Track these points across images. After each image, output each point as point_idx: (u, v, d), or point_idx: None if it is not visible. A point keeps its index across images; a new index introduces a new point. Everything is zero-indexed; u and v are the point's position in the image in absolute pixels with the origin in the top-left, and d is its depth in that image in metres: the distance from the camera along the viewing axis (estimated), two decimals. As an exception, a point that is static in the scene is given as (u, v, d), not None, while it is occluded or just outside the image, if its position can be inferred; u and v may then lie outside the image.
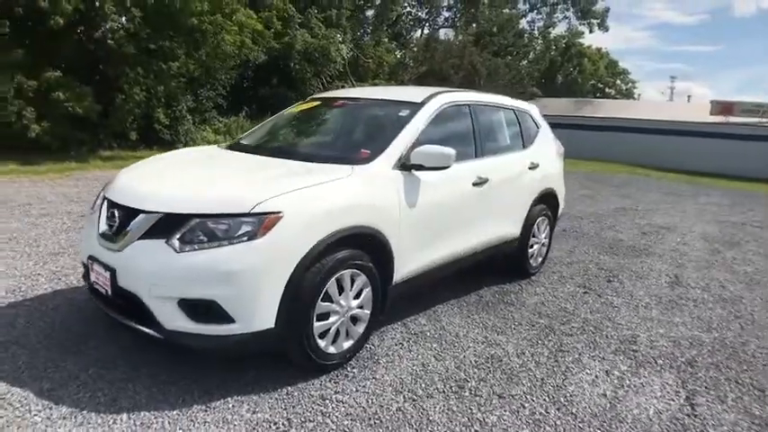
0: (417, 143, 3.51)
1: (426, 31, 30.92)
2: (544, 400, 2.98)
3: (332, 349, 3.05)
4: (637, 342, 3.85)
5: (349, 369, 3.14)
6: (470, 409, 2.83)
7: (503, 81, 25.82)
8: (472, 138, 4.15)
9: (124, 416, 2.56)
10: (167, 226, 2.69)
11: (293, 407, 2.74)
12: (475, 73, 24.83)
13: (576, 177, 15.40)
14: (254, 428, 2.54)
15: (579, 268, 5.62)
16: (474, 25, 29.21)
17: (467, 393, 2.98)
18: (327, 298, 2.95)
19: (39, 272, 4.34)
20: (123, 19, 12.26)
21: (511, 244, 4.71)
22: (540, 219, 5.05)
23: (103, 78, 12.67)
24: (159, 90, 13.31)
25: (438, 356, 3.39)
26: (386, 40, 29.99)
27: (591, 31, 33.92)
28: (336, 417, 2.68)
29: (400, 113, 3.73)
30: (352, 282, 3.09)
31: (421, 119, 3.67)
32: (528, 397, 2.99)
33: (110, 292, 2.86)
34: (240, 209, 2.68)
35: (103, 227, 3.00)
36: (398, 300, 3.61)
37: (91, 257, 3.02)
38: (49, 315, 3.57)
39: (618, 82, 48.91)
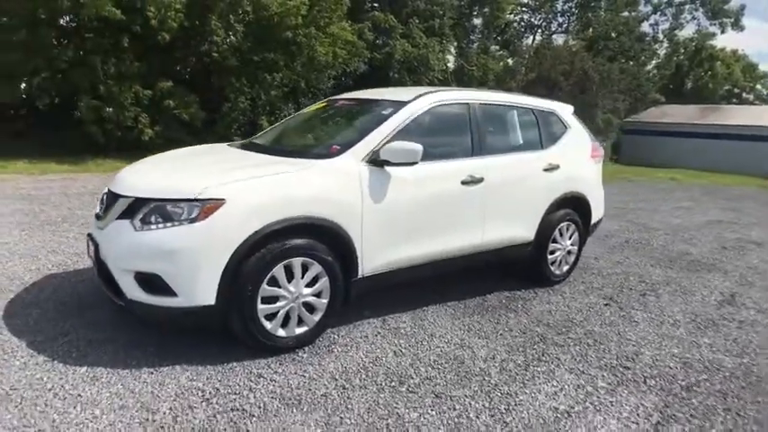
0: (393, 140, 3.52)
1: (539, 37, 29.88)
2: (482, 405, 2.83)
3: (281, 332, 3.18)
4: (636, 360, 3.48)
5: (301, 354, 3.25)
6: (396, 403, 2.79)
7: (617, 87, 24.10)
8: (468, 136, 4.04)
9: (84, 368, 2.92)
10: (135, 208, 3.02)
11: (228, 379, 2.91)
12: (586, 79, 23.47)
13: (687, 189, 14.00)
14: (182, 393, 2.76)
15: (616, 280, 5.15)
16: (590, 30, 27.61)
17: (403, 389, 2.94)
18: (275, 283, 3.09)
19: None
20: (229, 35, 13.51)
21: (522, 248, 4.48)
22: (564, 224, 4.73)
23: (210, 88, 14.05)
24: (263, 99, 14.43)
25: (398, 353, 3.36)
26: (495, 47, 29.53)
27: (723, 32, 30.43)
28: (260, 393, 2.80)
29: (383, 112, 3.77)
30: (305, 270, 3.19)
31: (401, 117, 3.68)
32: (466, 400, 2.87)
33: (95, 264, 3.28)
34: (187, 195, 2.93)
35: (98, 209, 3.44)
36: (378, 294, 3.65)
37: (89, 234, 3.47)
38: (73, 286, 4.12)
39: (758, 86, 43.14)
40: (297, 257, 3.13)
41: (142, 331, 3.36)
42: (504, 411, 2.78)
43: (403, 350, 3.40)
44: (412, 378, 3.06)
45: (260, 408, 2.69)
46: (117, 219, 3.11)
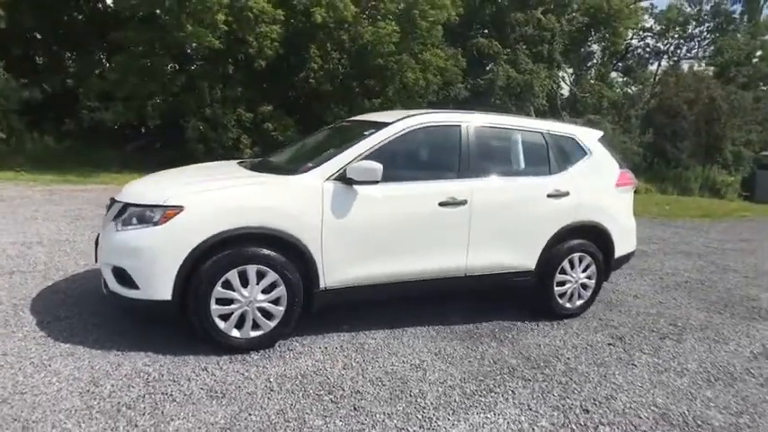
0: (365, 160, 3.63)
1: (665, 63, 27.69)
2: (396, 424, 2.80)
3: (235, 333, 3.41)
4: (604, 405, 3.18)
5: (253, 355, 3.44)
6: (310, 410, 2.87)
7: (751, 117, 21.43)
8: (455, 158, 4.01)
9: (67, 345, 3.39)
10: (122, 212, 3.47)
11: (176, 368, 3.19)
12: (713, 108, 21.19)
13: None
14: (131, 374, 3.10)
15: (642, 320, 4.67)
16: (723, 55, 24.93)
17: (327, 399, 3.00)
18: (229, 286, 3.34)
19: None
20: (326, 63, 14.42)
21: (520, 277, 4.28)
22: (576, 255, 4.44)
23: (310, 112, 15.05)
24: (360, 123, 15.13)
25: (347, 366, 3.42)
26: (616, 74, 27.93)
27: None
28: (195, 383, 3.05)
29: (364, 132, 3.90)
30: (261, 277, 3.40)
31: (378, 138, 3.78)
32: (383, 417, 2.86)
33: (96, 259, 3.79)
34: (154, 201, 3.33)
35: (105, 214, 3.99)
36: (367, 310, 3.78)
37: (99, 234, 4.02)
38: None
39: None
40: (251, 264, 3.36)
41: (130, 321, 3.78)
42: (412, 433, 2.73)
43: (354, 364, 3.45)
44: (343, 390, 3.11)
45: (185, 395, 2.93)
46: (111, 221, 3.58)
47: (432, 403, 3.04)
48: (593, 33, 22.58)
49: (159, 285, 3.24)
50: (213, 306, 3.32)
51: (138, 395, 2.90)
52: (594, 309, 4.84)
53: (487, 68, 19.52)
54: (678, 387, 3.47)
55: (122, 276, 3.32)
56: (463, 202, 3.90)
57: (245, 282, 3.37)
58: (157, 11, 11.94)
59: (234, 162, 4.63)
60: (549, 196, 4.28)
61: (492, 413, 2.99)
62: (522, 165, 4.37)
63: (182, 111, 13.13)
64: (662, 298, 5.42)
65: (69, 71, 13.43)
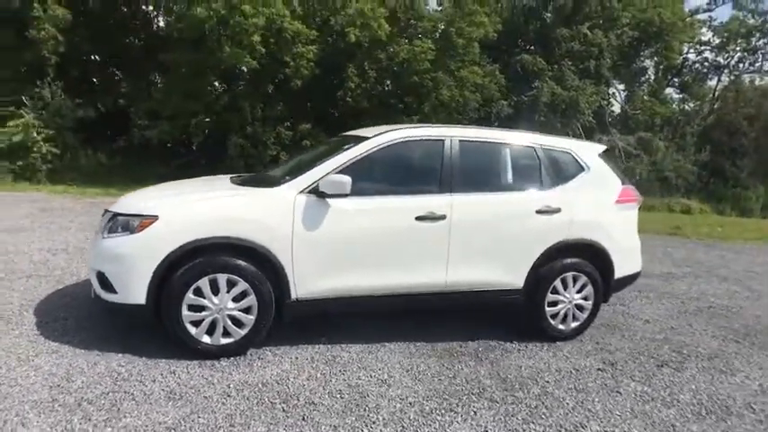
0: (341, 173, 3.68)
1: (725, 78, 26.21)
2: (339, 437, 2.79)
3: (206, 339, 3.51)
4: (570, 432, 3.03)
5: (223, 362, 3.52)
6: (259, 417, 2.91)
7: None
8: (436, 173, 3.99)
9: (56, 344, 3.61)
10: (110, 221, 3.68)
11: (147, 370, 3.33)
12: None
13: None
14: (103, 372, 3.28)
15: (644, 346, 4.41)
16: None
17: (279, 407, 3.03)
18: (200, 293, 3.45)
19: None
20: (363, 81, 14.69)
21: (507, 295, 4.17)
22: (569, 274, 4.28)
23: (346, 130, 15.30)
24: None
25: (311, 377, 3.44)
26: (671, 89, 26.73)
27: None
28: (159, 384, 3.18)
29: (344, 146, 3.96)
30: (232, 285, 3.50)
31: (354, 152, 3.83)
32: (328, 429, 2.86)
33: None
34: (133, 211, 3.52)
35: None
36: (350, 323, 3.91)
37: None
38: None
39: None
40: (222, 273, 3.46)
41: (120, 325, 3.96)
42: (353, 447, 2.71)
43: (318, 376, 3.46)
44: (298, 400, 3.13)
45: (146, 395, 3.05)
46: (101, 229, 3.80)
47: (383, 419, 3.00)
48: (644, 48, 21.77)
49: (134, 290, 3.39)
50: (185, 312, 3.44)
51: (102, 392, 3.05)
52: (593, 332, 4.63)
53: (533, 85, 19.25)
54: (661, 419, 3.26)
55: (104, 281, 3.50)
56: (442, 217, 3.86)
57: (216, 290, 3.48)
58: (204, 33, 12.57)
59: (227, 176, 4.78)
60: (538, 212, 4.16)
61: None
62: (510, 180, 4.28)
63: (225, 129, 13.71)
64: (675, 323, 5.11)
65: (122, 91, 14.35)
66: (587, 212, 4.34)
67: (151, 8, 13.81)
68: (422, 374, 3.61)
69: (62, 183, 11.61)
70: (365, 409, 3.08)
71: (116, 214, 3.63)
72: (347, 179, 3.53)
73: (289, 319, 3.72)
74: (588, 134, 20.96)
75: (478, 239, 4.01)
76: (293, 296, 3.64)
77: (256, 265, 3.52)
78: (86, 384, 3.12)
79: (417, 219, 3.81)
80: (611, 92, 23.12)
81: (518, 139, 4.40)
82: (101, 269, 3.52)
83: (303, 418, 2.94)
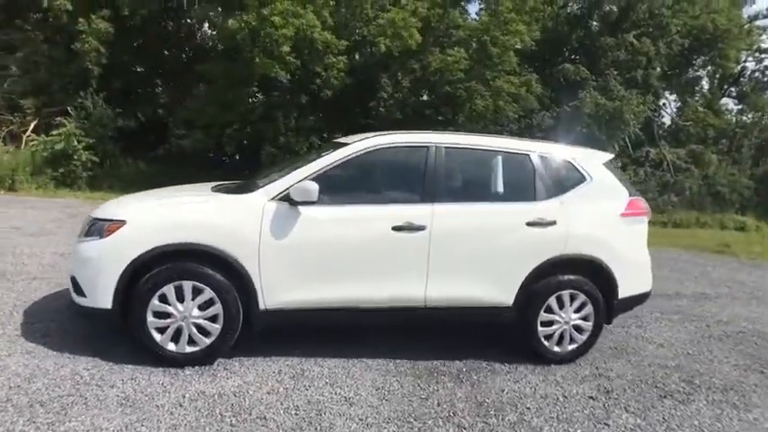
0: (314, 180, 3.57)
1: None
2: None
3: (171, 346, 3.45)
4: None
5: (188, 371, 3.45)
6: (195, 429, 2.82)
7: None
8: (417, 181, 3.81)
9: (32, 345, 3.65)
10: (89, 225, 3.70)
11: (110, 375, 3.31)
12: None
13: None
14: (67, 375, 3.27)
15: (647, 373, 4.03)
16: None
17: (227, 420, 2.92)
18: (166, 300, 3.40)
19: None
20: (396, 91, 14.63)
21: (496, 313, 3.91)
22: (564, 292, 3.97)
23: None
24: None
25: (272, 391, 3.30)
26: (725, 100, 25.23)
27: None
28: (116, 390, 3.15)
29: (322, 153, 3.85)
30: (198, 293, 3.43)
31: (330, 159, 3.72)
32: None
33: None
34: (104, 216, 3.54)
35: None
36: (332, 337, 3.83)
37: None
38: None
39: None
40: (187, 280, 3.40)
41: (101, 329, 3.96)
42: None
43: (281, 390, 3.33)
44: (250, 414, 3.01)
45: (99, 400, 3.02)
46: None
47: (334, 439, 2.83)
48: (696, 57, 20.68)
49: (101, 294, 3.38)
50: (150, 318, 3.40)
51: (58, 395, 3.03)
52: (596, 355, 4.29)
53: (579, 96, 18.62)
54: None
55: (75, 284, 3.51)
56: (421, 228, 3.66)
57: (181, 297, 3.42)
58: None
59: (212, 184, 4.67)
60: (529, 225, 3.88)
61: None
62: (501, 189, 4.02)
63: (259, 138, 13.95)
64: (694, 349, 4.66)
65: (161, 101, 14.88)
66: (586, 226, 4.03)
67: (193, 20, 14.24)
68: (391, 394, 3.41)
69: (101, 190, 12.09)
70: (317, 429, 2.92)
71: (95, 219, 3.65)
72: (314, 186, 3.41)
73: (258, 329, 3.62)
74: (635, 146, 20.08)
75: (461, 252, 3.78)
76: (261, 306, 3.53)
77: (223, 272, 3.44)
78: (45, 386, 3.11)
79: (394, 229, 3.63)
80: (661, 103, 22.12)
81: (512, 147, 4.15)
82: (73, 273, 3.54)
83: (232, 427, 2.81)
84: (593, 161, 4.27)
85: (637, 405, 3.50)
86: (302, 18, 11.81)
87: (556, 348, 4.04)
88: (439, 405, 3.32)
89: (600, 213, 4.10)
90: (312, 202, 3.45)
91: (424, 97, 15.04)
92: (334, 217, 3.60)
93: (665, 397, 3.66)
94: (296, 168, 3.71)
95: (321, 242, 3.56)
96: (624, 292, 4.14)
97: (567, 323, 4.01)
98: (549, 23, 19.48)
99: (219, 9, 13.00)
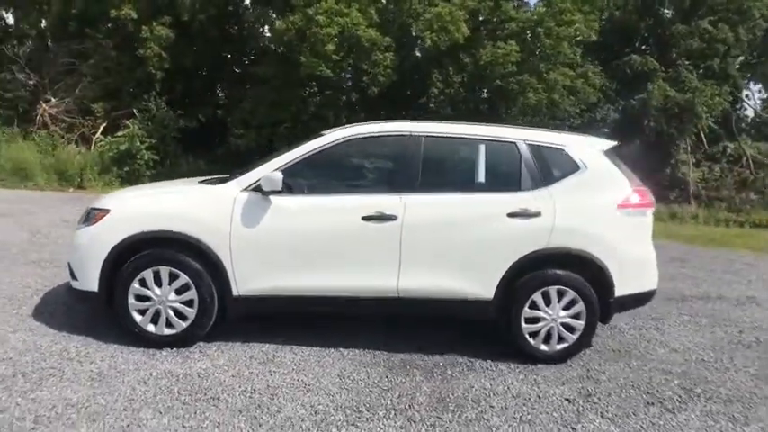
0: (287, 170, 3.64)
1: None
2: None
3: (151, 328, 3.65)
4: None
5: (165, 352, 3.62)
6: (146, 403, 2.95)
7: None
8: (396, 171, 3.79)
9: (37, 323, 3.99)
10: (87, 214, 3.97)
11: (95, 352, 3.54)
12: None
13: None
14: (59, 351, 3.53)
15: (643, 377, 3.74)
16: None
17: (181, 398, 3.04)
18: (145, 284, 3.59)
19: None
20: (446, 87, 14.44)
21: (475, 306, 3.79)
22: (551, 288, 3.78)
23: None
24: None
25: (236, 375, 3.39)
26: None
27: None
28: (92, 365, 3.37)
29: (301, 143, 3.90)
30: (174, 278, 3.59)
31: (304, 149, 3.77)
32: (207, 423, 2.81)
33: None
34: (95, 205, 3.79)
35: None
36: (318, 325, 3.95)
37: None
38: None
39: None
40: (164, 266, 3.57)
41: (102, 312, 4.17)
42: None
43: (246, 374, 3.41)
44: (205, 394, 3.12)
45: (74, 374, 3.26)
46: None
47: (273, 423, 2.87)
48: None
49: (89, 278, 3.63)
50: (131, 301, 3.61)
51: (41, 368, 3.30)
52: (595, 356, 4.05)
53: (649, 89, 17.50)
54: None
55: (70, 269, 3.79)
56: (392, 218, 3.62)
57: (159, 282, 3.60)
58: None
59: (201, 177, 4.73)
60: (510, 216, 3.72)
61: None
62: (482, 179, 3.89)
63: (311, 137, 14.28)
64: (712, 356, 4.26)
65: (220, 103, 15.61)
66: (576, 218, 3.80)
67: (251, 23, 14.82)
68: (354, 384, 3.40)
69: (161, 186, 12.88)
70: (263, 411, 2.98)
71: (90, 208, 3.92)
72: (278, 176, 3.47)
73: (233, 315, 3.74)
74: (711, 142, 18.58)
75: (436, 243, 3.69)
76: (235, 292, 3.65)
77: (197, 259, 3.59)
78: (33, 360, 3.39)
79: (364, 219, 3.61)
80: (744, 94, 20.32)
81: (497, 135, 4.00)
82: (69, 258, 3.82)
83: (195, 412, 2.91)
84: (591, 149, 4.02)
85: (616, 411, 3.26)
86: (347, 16, 11.96)
87: (543, 347, 3.85)
88: (399, 397, 3.27)
89: (594, 205, 3.86)
90: (278, 192, 3.51)
91: (477, 92, 14.73)
92: (304, 206, 3.64)
93: (652, 404, 3.38)
94: (271, 159, 3.78)
95: (291, 231, 3.62)
96: (622, 290, 3.87)
97: (553, 321, 3.81)
98: (616, 12, 18.45)
99: (271, 11, 13.44)
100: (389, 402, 3.19)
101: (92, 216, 3.72)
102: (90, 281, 3.63)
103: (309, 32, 12.00)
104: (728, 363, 4.14)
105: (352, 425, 2.92)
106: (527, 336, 3.83)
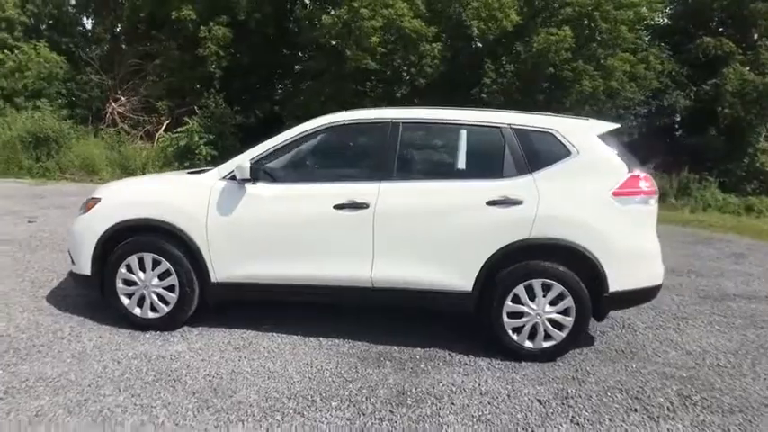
0: (264, 159, 3.69)
1: None
2: (157, 411, 2.80)
3: (137, 311, 3.82)
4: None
5: (150, 334, 3.78)
6: (111, 381, 3.09)
7: None
8: (372, 158, 3.71)
9: (47, 304, 4.29)
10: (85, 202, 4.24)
11: (87, 333, 3.77)
12: None
13: None
14: (54, 330, 3.78)
15: (641, 381, 3.43)
16: None
17: (143, 378, 3.16)
18: (131, 269, 3.77)
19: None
20: (499, 77, 13.97)
21: (454, 299, 3.64)
22: (535, 281, 3.55)
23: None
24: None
25: (207, 360, 3.46)
26: None
27: None
28: (78, 345, 3.58)
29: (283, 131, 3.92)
30: (156, 264, 3.74)
31: (284, 136, 3.80)
32: (157, 403, 2.89)
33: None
34: (91, 194, 3.99)
35: None
36: (302, 314, 4.05)
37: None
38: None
39: None
40: (147, 252, 3.73)
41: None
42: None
43: (215, 359, 3.48)
44: (168, 376, 3.22)
45: (59, 352, 3.47)
46: None
47: (222, 406, 2.92)
48: None
49: (82, 262, 3.86)
50: (119, 285, 3.81)
51: (32, 344, 3.55)
52: (592, 356, 3.80)
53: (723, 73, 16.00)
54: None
55: (69, 254, 4.06)
56: (364, 206, 3.55)
57: (144, 267, 3.76)
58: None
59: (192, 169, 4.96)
60: (489, 204, 3.53)
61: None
62: (462, 166, 3.72)
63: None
64: (733, 361, 3.83)
65: (276, 98, 16.04)
66: (562, 206, 3.55)
67: (303, 20, 15.08)
68: (320, 373, 3.38)
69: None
70: (216, 394, 3.04)
71: (89, 198, 4.16)
72: (246, 164, 3.52)
73: (212, 301, 3.84)
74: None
75: (410, 232, 3.58)
76: (213, 279, 3.74)
77: (178, 246, 3.71)
78: (29, 337, 3.66)
79: (336, 207, 3.57)
80: None
81: (480, 119, 3.81)
82: (68, 244, 4.09)
83: (152, 391, 3.03)
84: (585, 133, 3.72)
85: (590, 416, 3.01)
86: (391, 8, 11.87)
87: (528, 344, 3.63)
88: (359, 389, 3.21)
89: (584, 192, 3.58)
90: (249, 180, 3.55)
91: (532, 81, 14.12)
92: (277, 195, 3.66)
93: (635, 410, 3.09)
94: (249, 148, 3.83)
95: (264, 219, 3.65)
96: (618, 284, 3.57)
97: (538, 316, 3.58)
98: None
99: (321, 6, 13.60)
100: (347, 393, 3.15)
101: (86, 204, 3.95)
102: (84, 265, 3.86)
103: (354, 25, 12.03)
104: (748, 369, 3.71)
105: (299, 413, 2.91)
106: (510, 331, 3.63)
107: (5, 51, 14.09)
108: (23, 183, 11.38)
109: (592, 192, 3.58)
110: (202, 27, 13.66)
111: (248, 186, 3.64)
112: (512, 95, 14.03)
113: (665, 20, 16.54)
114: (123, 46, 16.30)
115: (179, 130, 13.56)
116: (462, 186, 3.65)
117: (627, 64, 12.84)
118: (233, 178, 3.69)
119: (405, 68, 13.65)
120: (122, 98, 14.60)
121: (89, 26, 16.95)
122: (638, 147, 15.96)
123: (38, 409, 2.81)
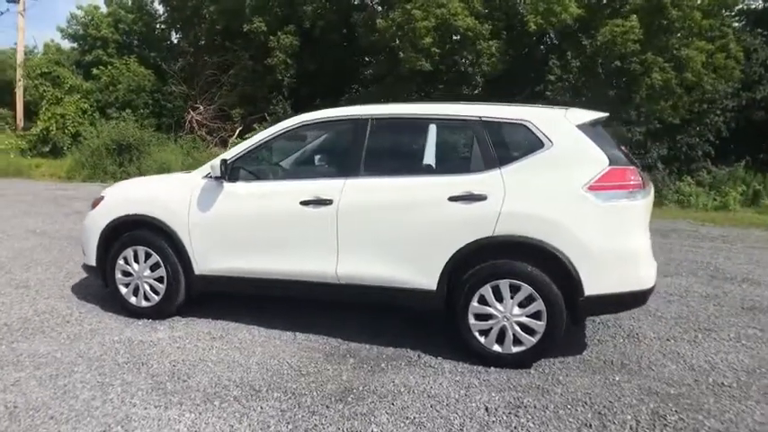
0: (243, 157, 3.86)
1: None
2: (115, 394, 3.02)
3: (133, 300, 4.16)
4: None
5: (141, 323, 4.09)
6: (88, 364, 3.37)
7: None
8: (340, 155, 3.76)
9: (59, 289, 4.79)
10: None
11: (87, 318, 4.15)
12: None
13: None
14: (57, 317, 4.18)
15: (617, 393, 3.16)
16: None
17: (117, 362, 3.43)
18: (127, 261, 4.10)
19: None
20: (564, 73, 13.32)
21: (419, 297, 3.56)
22: (501, 282, 3.39)
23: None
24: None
25: (180, 348, 3.68)
26: None
27: None
28: (73, 329, 3.94)
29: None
30: (148, 257, 4.04)
31: (262, 135, 3.95)
32: (121, 386, 3.12)
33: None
34: (100, 193, 4.39)
35: None
36: (289, 308, 4.24)
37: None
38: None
39: None
40: (140, 246, 4.04)
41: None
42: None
43: (187, 347, 3.68)
44: (138, 359, 3.47)
45: (58, 333, 3.86)
46: None
47: (170, 389, 3.10)
48: None
49: (89, 254, 4.27)
50: (118, 276, 4.16)
51: (41, 327, 3.98)
52: (574, 365, 3.56)
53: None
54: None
55: (82, 246, 4.48)
56: (327, 202, 3.59)
57: (138, 260, 4.07)
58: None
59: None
60: (452, 200, 3.42)
61: (189, 416, 2.84)
62: (430, 161, 3.62)
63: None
64: (740, 380, 3.40)
65: (342, 103, 16.43)
66: (529, 202, 3.35)
67: (362, 25, 15.34)
68: (278, 366, 3.47)
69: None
70: (170, 378, 3.23)
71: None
72: (216, 163, 3.71)
73: (196, 292, 4.06)
74: None
75: (372, 228, 3.58)
76: (196, 271, 3.97)
77: (166, 240, 3.98)
78: (42, 320, 4.10)
79: (302, 203, 3.65)
80: None
81: (450, 113, 3.71)
82: (81, 238, 4.52)
83: (116, 372, 3.29)
84: (562, 123, 3.48)
85: (534, 429, 2.83)
86: (444, 7, 11.73)
87: (497, 348, 3.48)
88: (308, 383, 3.26)
89: (555, 186, 3.36)
90: (222, 178, 3.76)
91: (599, 76, 13.30)
92: (251, 192, 3.81)
93: (588, 426, 2.85)
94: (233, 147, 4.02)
95: (239, 215, 3.83)
96: (595, 288, 3.32)
97: (506, 319, 3.41)
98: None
99: (379, 10, 13.76)
100: (295, 387, 3.20)
101: (94, 202, 4.34)
102: (90, 256, 4.25)
103: (407, 27, 12.05)
104: (756, 392, 3.27)
105: (237, 401, 3.01)
106: (477, 334, 3.49)
107: (101, 67, 15.75)
108: (105, 186, 12.67)
109: (564, 186, 3.35)
110: (272, 37, 14.35)
111: (226, 184, 3.83)
112: (579, 91, 13.34)
113: (763, 2, 14.85)
114: (206, 57, 17.55)
115: (246, 136, 14.34)
116: (426, 182, 3.58)
117: (704, 53, 11.68)
118: (211, 177, 3.89)
119: (462, 68, 13.42)
120: (200, 107, 15.74)
121: (175, 41, 18.47)
122: (727, 143, 14.58)
123: (16, 380, 3.16)
